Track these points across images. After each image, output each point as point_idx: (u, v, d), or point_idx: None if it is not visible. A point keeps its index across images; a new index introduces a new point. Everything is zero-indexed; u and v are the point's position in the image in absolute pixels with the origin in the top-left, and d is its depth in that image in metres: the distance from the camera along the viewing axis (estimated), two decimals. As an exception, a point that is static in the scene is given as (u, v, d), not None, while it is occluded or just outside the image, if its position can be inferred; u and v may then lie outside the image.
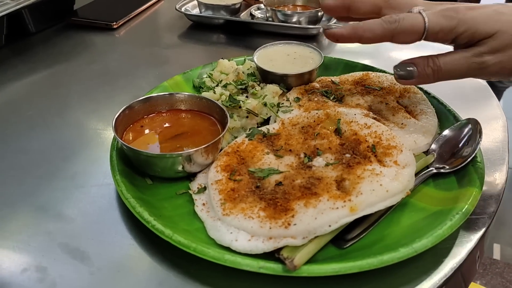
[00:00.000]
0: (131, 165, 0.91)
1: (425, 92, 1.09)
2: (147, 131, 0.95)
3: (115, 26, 1.70)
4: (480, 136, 0.90)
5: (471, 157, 0.88)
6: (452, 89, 1.29)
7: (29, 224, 0.84)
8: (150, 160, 0.86)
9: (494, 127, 1.11)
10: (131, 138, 0.93)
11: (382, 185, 0.76)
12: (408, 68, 0.88)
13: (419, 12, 0.84)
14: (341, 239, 0.76)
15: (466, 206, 0.77)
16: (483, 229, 0.82)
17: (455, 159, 0.90)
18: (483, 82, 1.32)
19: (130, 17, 1.79)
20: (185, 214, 0.83)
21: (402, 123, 0.98)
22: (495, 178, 0.93)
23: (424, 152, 0.95)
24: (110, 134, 1.09)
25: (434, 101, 1.07)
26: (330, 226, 0.72)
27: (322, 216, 0.72)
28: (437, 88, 1.13)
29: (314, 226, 0.71)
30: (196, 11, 1.76)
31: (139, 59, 1.52)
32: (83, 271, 0.74)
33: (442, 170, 0.89)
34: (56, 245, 0.79)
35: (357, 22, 0.87)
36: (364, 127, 0.91)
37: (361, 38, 0.87)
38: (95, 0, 1.91)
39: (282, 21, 1.61)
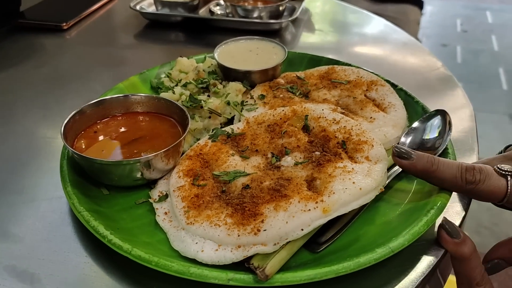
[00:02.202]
0: (85, 175, 0.83)
1: (392, 85, 1.07)
2: (101, 137, 0.88)
3: (65, 27, 1.60)
4: (450, 127, 0.88)
5: (442, 149, 0.85)
6: (417, 80, 1.28)
7: (-30, 246, 0.76)
8: (105, 168, 0.79)
9: (462, 116, 1.09)
10: (83, 146, 0.85)
11: (355, 183, 0.72)
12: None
13: (505, 174, 0.71)
14: (315, 243, 0.72)
15: (441, 200, 0.74)
16: (458, 222, 0.79)
17: (426, 151, 0.87)
18: (448, 72, 1.31)
19: (82, 17, 1.69)
20: (146, 225, 0.77)
21: (371, 117, 0.95)
22: (467, 169, 0.91)
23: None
24: (61, 142, 1.00)
25: (402, 93, 1.04)
26: (302, 229, 0.67)
27: (294, 219, 0.67)
28: (402, 80, 1.11)
29: (286, 231, 0.66)
30: (152, 9, 1.68)
31: (93, 61, 1.43)
32: (33, 296, 0.67)
33: (414, 164, 0.86)
34: (1, 268, 0.71)
35: (431, 161, 0.73)
36: (333, 122, 0.87)
37: (429, 179, 0.75)
38: (43, 0, 1.80)
39: (243, 17, 1.56)
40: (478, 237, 2.77)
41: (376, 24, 1.76)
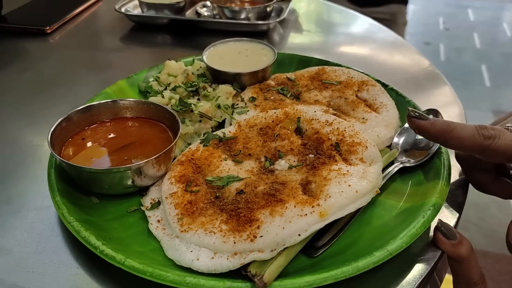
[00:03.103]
0: (74, 183, 0.81)
1: (383, 84, 1.06)
2: (89, 143, 0.86)
3: (49, 31, 1.57)
4: (443, 127, 0.88)
5: (435, 149, 0.85)
6: (405, 79, 1.28)
7: (-45, 260, 0.73)
8: (95, 176, 0.77)
9: (451, 115, 1.09)
10: (71, 153, 0.83)
11: (351, 186, 0.71)
12: None
13: None
14: (311, 247, 0.71)
15: (437, 201, 0.74)
16: (453, 222, 0.79)
17: (419, 151, 0.87)
18: (435, 70, 1.32)
19: (65, 20, 1.66)
20: (139, 234, 0.75)
21: (363, 118, 0.94)
22: (459, 167, 0.91)
23: (387, 146, 0.92)
24: (48, 149, 0.98)
25: (393, 92, 1.04)
26: (299, 235, 0.66)
27: (290, 225, 0.66)
28: (391, 79, 1.10)
29: (282, 237, 0.65)
30: (137, 11, 1.65)
31: (78, 65, 1.40)
32: (23, 312, 0.65)
33: (407, 164, 0.86)
34: (-11, 283, 0.69)
35: (447, 122, 0.71)
36: (326, 124, 0.86)
37: (446, 142, 0.73)
38: (25, 4, 1.76)
39: (230, 18, 1.54)
40: (465, 233, 2.76)
41: (362, 23, 1.76)
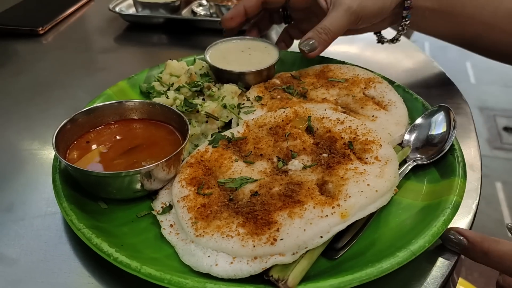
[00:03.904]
0: (80, 188, 0.78)
1: (390, 81, 1.05)
2: (94, 146, 0.82)
3: (41, 32, 1.52)
4: (455, 124, 0.87)
5: (448, 146, 0.84)
6: (410, 76, 1.27)
7: (-41, 272, 0.69)
8: (103, 180, 0.74)
9: (456, 111, 1.08)
10: (76, 157, 0.80)
11: (370, 185, 0.70)
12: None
13: None
14: (331, 249, 0.69)
15: (455, 198, 0.73)
16: (470, 218, 0.78)
17: (431, 148, 0.86)
18: (438, 67, 1.31)
19: (58, 20, 1.61)
20: (151, 239, 0.72)
21: (373, 116, 0.92)
22: (471, 165, 0.90)
23: (398, 144, 0.91)
24: (49, 153, 0.95)
25: (400, 89, 1.03)
26: (321, 237, 0.64)
27: (311, 226, 0.64)
28: (391, 75, 1.09)
29: (304, 239, 0.63)
30: (132, 11, 1.62)
31: (73, 67, 1.36)
32: (34, 324, 0.62)
33: (421, 162, 0.84)
34: (-4, 295, 0.66)
35: None
36: (337, 122, 0.85)
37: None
38: (16, 4, 1.71)
39: (228, 17, 1.52)
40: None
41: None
